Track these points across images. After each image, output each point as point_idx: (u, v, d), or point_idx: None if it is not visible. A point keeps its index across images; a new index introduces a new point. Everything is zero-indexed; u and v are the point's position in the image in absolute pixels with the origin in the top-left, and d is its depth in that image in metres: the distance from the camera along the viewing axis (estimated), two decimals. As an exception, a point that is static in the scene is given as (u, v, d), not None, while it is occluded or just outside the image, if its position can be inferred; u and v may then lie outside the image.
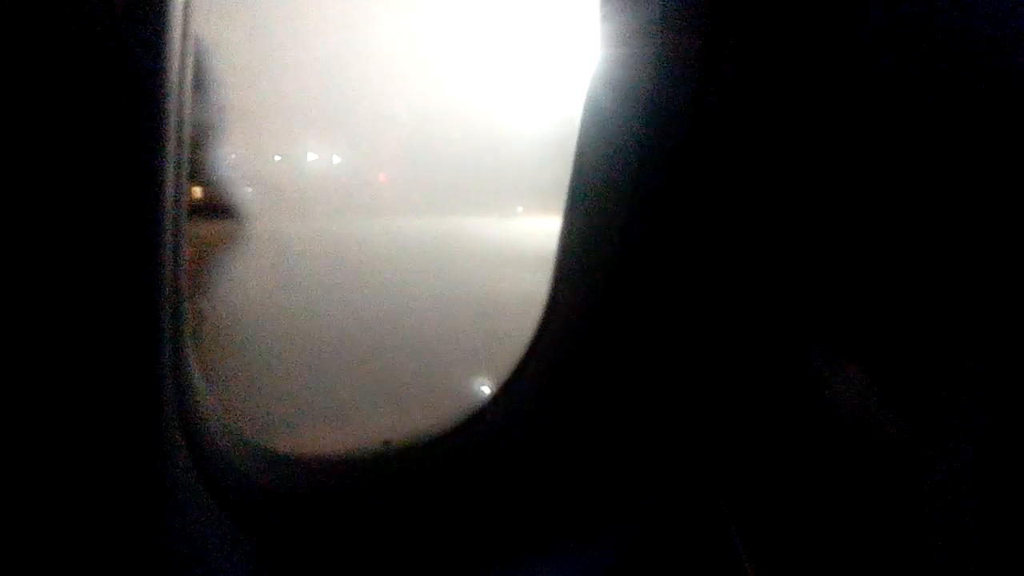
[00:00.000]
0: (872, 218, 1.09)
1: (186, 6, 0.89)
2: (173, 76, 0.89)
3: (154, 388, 0.92)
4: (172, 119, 0.93)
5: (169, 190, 0.94)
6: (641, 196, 1.29)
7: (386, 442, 1.38)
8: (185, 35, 0.92)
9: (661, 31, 1.19)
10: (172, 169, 0.94)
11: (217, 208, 1.80)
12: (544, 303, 1.37)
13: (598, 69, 1.24)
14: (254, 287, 1.52)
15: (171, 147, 0.93)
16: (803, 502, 1.17)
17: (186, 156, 1.00)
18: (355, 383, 1.50)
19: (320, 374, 1.46)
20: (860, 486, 1.07)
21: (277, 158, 3.86)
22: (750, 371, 1.25)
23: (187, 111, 0.97)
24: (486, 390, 1.67)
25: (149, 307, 0.94)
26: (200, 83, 1.04)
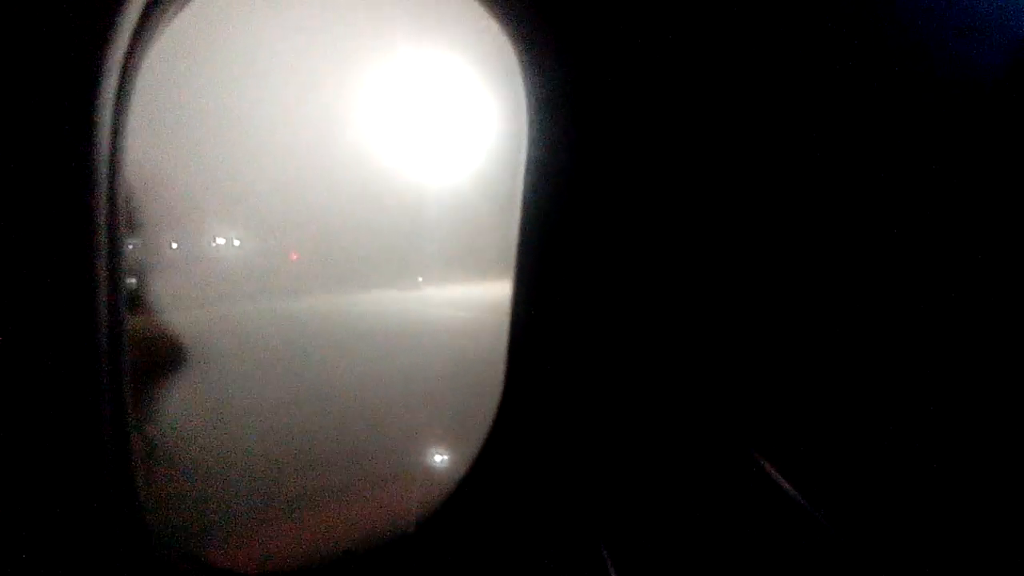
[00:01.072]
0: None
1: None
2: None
3: (101, 514, 0.86)
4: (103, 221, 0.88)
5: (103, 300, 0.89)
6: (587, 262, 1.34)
7: (347, 551, 1.29)
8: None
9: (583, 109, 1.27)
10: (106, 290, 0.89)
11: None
12: (498, 397, 1.36)
13: (530, 151, 1.30)
14: (178, 393, 1.40)
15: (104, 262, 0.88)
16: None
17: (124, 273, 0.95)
18: (307, 486, 1.41)
19: (269, 483, 1.36)
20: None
21: (174, 245, 3.63)
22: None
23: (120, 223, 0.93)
24: (440, 459, 1.62)
25: (93, 436, 0.86)
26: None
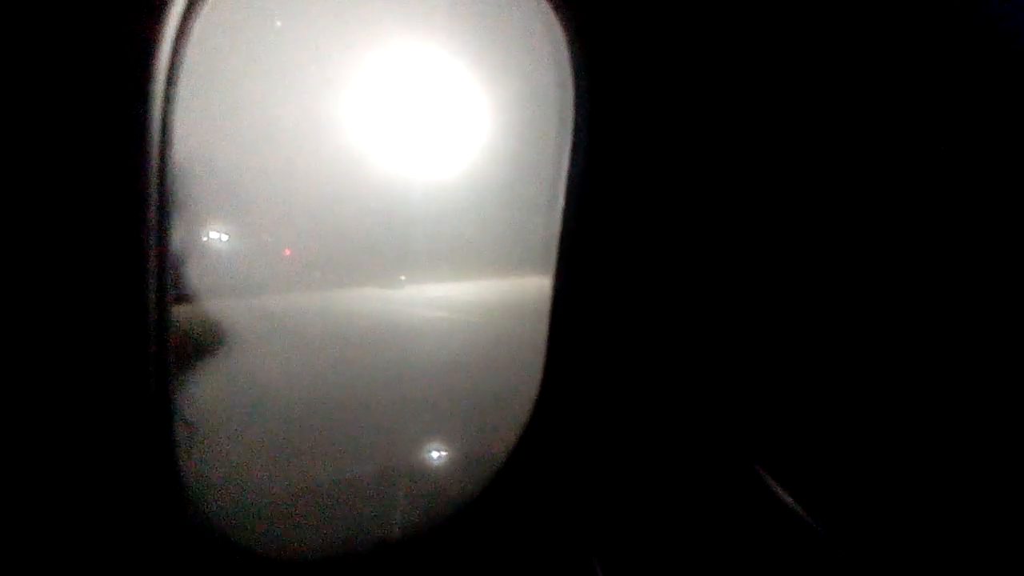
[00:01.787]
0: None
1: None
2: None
3: (145, 494, 0.87)
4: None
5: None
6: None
7: (383, 540, 1.27)
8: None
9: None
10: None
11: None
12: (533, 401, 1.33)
13: (574, 148, 1.28)
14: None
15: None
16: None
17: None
18: (340, 479, 1.39)
19: (302, 474, 1.33)
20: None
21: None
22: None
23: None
24: (438, 455, 1.60)
25: (139, 419, 0.85)
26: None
